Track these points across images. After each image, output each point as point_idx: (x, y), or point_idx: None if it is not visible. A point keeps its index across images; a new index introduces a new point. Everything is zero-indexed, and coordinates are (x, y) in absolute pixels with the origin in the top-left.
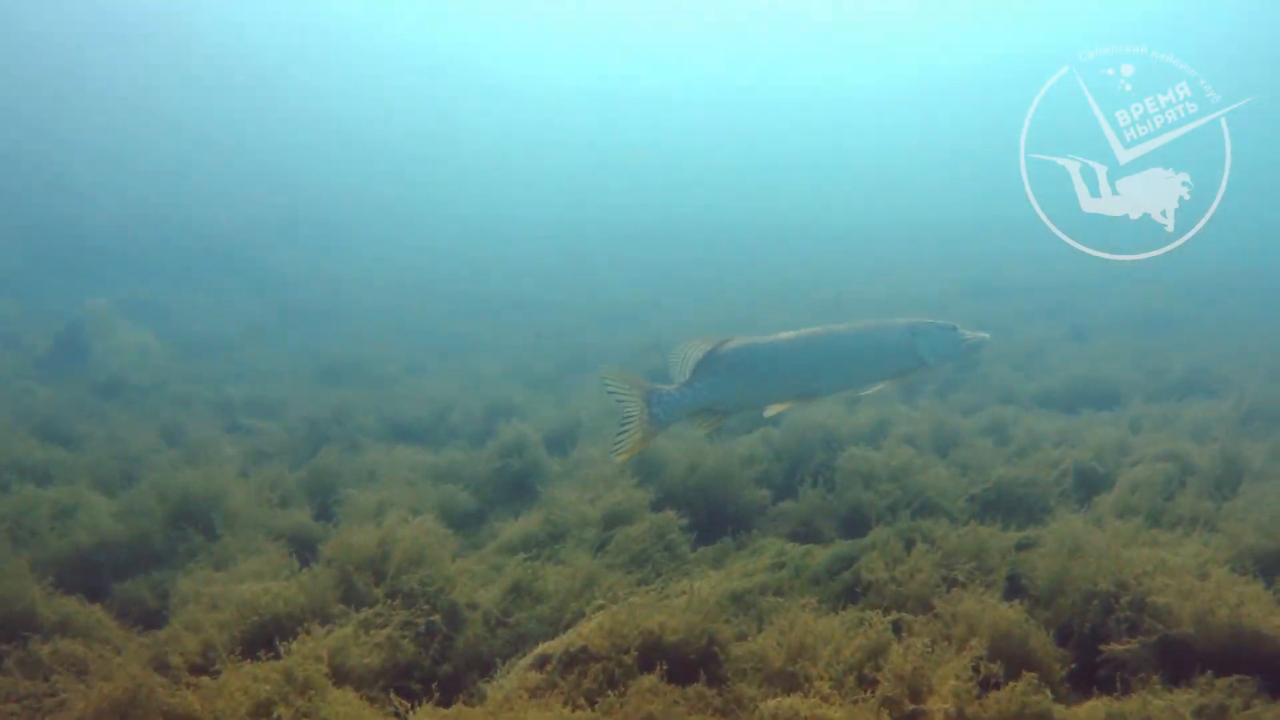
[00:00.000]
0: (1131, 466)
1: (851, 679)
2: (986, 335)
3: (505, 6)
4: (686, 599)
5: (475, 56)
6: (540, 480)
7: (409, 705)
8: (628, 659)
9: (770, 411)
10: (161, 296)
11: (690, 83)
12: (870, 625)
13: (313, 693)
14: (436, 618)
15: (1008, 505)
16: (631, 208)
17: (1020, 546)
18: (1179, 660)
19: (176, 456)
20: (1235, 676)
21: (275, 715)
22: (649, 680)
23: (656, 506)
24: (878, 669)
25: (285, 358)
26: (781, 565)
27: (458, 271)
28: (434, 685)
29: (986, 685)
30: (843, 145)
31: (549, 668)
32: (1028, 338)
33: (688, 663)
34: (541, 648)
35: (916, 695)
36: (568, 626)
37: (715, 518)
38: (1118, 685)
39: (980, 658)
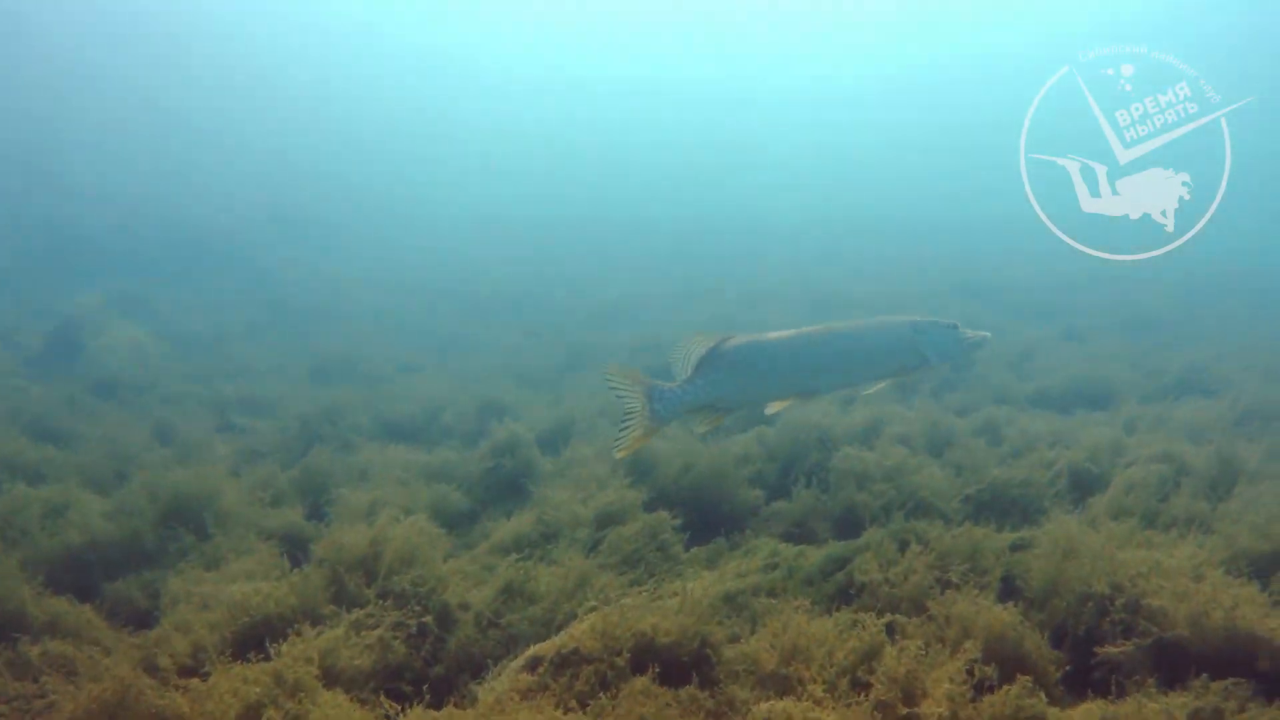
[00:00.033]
0: (1126, 467)
1: (845, 682)
2: (988, 334)
3: (500, 4)
4: (679, 600)
5: (470, 54)
6: (533, 480)
7: (399, 707)
8: (620, 661)
9: (771, 409)
10: (155, 293)
11: (683, 79)
12: (864, 627)
13: (303, 695)
14: (428, 619)
15: (1002, 506)
16: (625, 205)
17: (1015, 548)
18: (1174, 663)
19: (169, 455)
20: (1230, 679)
21: (265, 718)
22: (641, 682)
23: (649, 506)
24: (871, 672)
25: (279, 356)
26: (775, 566)
27: (451, 270)
28: (425, 687)
29: (981, 688)
30: (837, 142)
31: (541, 669)
32: (1022, 337)
33: (680, 665)
34: (533, 649)
35: (910, 699)
36: (560, 628)
37: (709, 518)
38: (1113, 688)
39: (974, 660)
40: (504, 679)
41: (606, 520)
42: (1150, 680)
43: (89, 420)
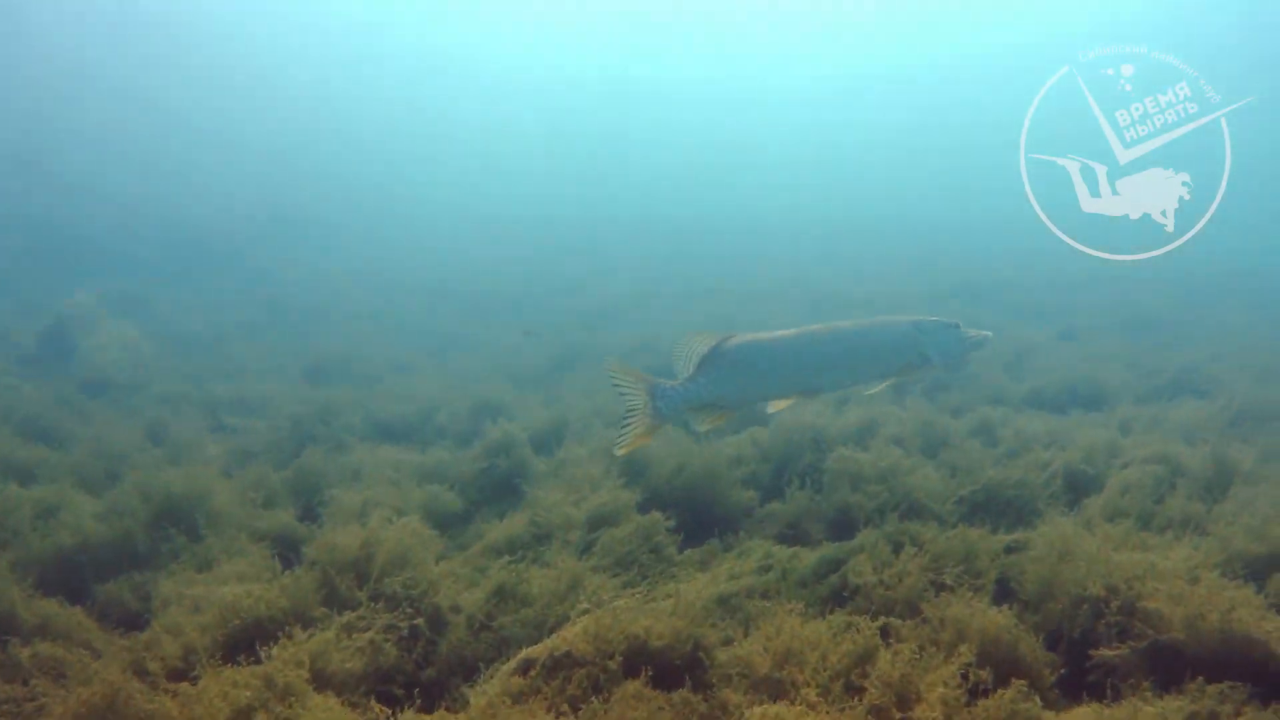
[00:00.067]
0: (1121, 468)
1: (838, 686)
2: (989, 333)
3: (500, 4)
4: (672, 603)
5: (469, 53)
6: (526, 480)
7: (390, 711)
8: (612, 664)
9: (773, 408)
10: (148, 292)
11: (683, 79)
12: (858, 630)
13: (293, 699)
14: (420, 621)
15: (996, 507)
16: (620, 205)
17: (1009, 550)
18: (1170, 666)
19: (161, 456)
20: (1226, 683)
21: None
22: (633, 686)
23: (643, 508)
24: (865, 676)
25: (272, 355)
26: (768, 568)
27: (451, 270)
28: (416, 690)
29: (975, 692)
30: (837, 142)
31: (533, 673)
32: (1017, 337)
33: (673, 668)
34: (525, 652)
35: (904, 703)
36: (552, 630)
37: (702, 519)
38: (1108, 691)
39: (969, 664)
40: (495, 682)
41: (599, 522)
42: (1146, 683)
43: (81, 420)
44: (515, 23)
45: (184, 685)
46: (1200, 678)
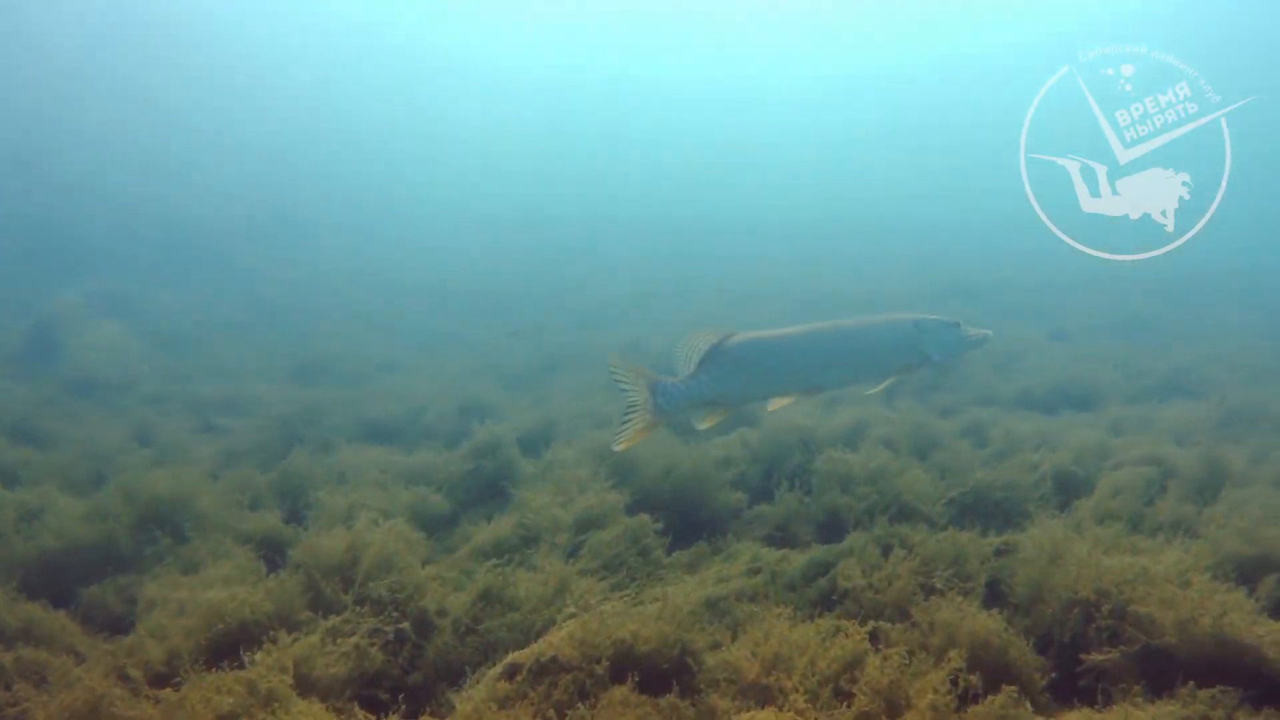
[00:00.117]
0: (1112, 470)
1: (827, 691)
2: (989, 332)
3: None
4: (659, 606)
5: (469, 53)
6: (513, 482)
7: (376, 717)
8: (599, 669)
9: (774, 406)
10: (134, 291)
11: (683, 79)
12: (846, 635)
13: (276, 705)
14: (405, 625)
15: (986, 509)
16: (619, 205)
17: (999, 552)
18: (1161, 670)
19: (147, 457)
20: (1218, 687)
21: None
22: (620, 691)
23: (631, 510)
24: (854, 681)
25: (259, 355)
26: (757, 571)
27: (435, 269)
28: (402, 696)
29: (965, 698)
30: (836, 142)
31: (519, 678)
32: (1009, 338)
33: (660, 673)
34: (511, 657)
35: (894, 709)
36: (539, 635)
37: (690, 521)
38: (1099, 696)
39: (959, 669)
40: (482, 687)
41: (587, 524)
42: (1137, 688)
43: (67, 421)
44: (515, 23)
45: (166, 691)
46: (1191, 682)
